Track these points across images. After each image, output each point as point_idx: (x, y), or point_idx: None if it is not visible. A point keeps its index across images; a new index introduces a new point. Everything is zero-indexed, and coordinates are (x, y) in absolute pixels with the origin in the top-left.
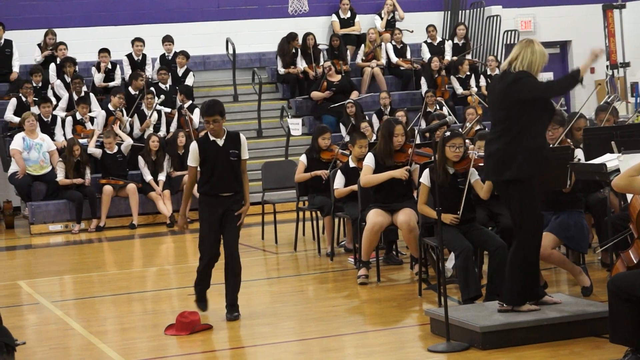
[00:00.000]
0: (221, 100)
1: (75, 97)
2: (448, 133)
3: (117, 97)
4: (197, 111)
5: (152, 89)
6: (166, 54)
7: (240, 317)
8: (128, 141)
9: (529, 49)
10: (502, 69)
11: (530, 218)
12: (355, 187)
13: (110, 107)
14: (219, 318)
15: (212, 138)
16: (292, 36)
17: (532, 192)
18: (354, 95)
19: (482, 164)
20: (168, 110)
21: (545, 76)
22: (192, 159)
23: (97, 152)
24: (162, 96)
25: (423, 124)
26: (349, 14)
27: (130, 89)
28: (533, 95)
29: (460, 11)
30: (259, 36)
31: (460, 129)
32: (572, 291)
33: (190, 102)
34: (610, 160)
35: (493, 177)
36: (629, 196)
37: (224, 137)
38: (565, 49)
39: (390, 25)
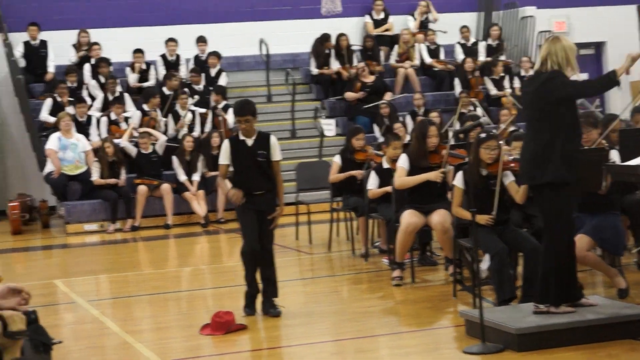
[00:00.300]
0: (255, 101)
1: (110, 98)
2: (483, 135)
3: (156, 98)
4: (231, 111)
5: (186, 89)
6: (200, 55)
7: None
8: (162, 139)
9: (559, 45)
10: (535, 70)
11: (560, 222)
12: (389, 188)
13: (146, 107)
14: (254, 318)
15: (242, 137)
16: (325, 37)
17: (566, 196)
18: (388, 96)
19: (513, 166)
20: (202, 110)
21: (580, 77)
22: (224, 157)
23: (131, 148)
24: (196, 96)
25: (457, 125)
26: (382, 15)
27: (164, 89)
28: (567, 93)
29: (494, 12)
30: (293, 37)
31: (494, 130)
32: (608, 293)
33: (225, 102)
34: None
35: (528, 181)
36: None
37: (254, 138)
38: (599, 50)
39: (424, 26)
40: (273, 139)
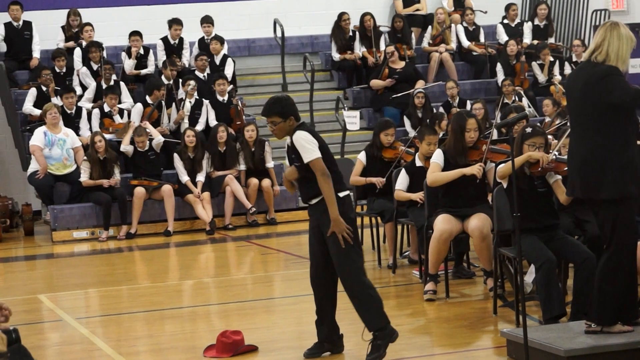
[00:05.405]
0: (268, 90)
1: (104, 86)
2: (528, 129)
3: (161, 90)
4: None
5: (192, 77)
6: (205, 38)
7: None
8: (158, 139)
9: (615, 32)
10: (585, 58)
11: (624, 234)
12: (418, 195)
13: (149, 100)
14: (265, 338)
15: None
16: (344, 18)
17: (629, 207)
18: (420, 84)
19: (554, 167)
20: (206, 101)
21: (636, 62)
22: None
23: (129, 150)
24: (193, 82)
25: (499, 117)
26: None
27: (162, 77)
28: (621, 101)
29: None
30: (311, 17)
31: (540, 123)
32: None
33: (230, 89)
34: None
35: (582, 193)
36: None
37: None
38: None
39: (460, 4)
40: (296, 136)
